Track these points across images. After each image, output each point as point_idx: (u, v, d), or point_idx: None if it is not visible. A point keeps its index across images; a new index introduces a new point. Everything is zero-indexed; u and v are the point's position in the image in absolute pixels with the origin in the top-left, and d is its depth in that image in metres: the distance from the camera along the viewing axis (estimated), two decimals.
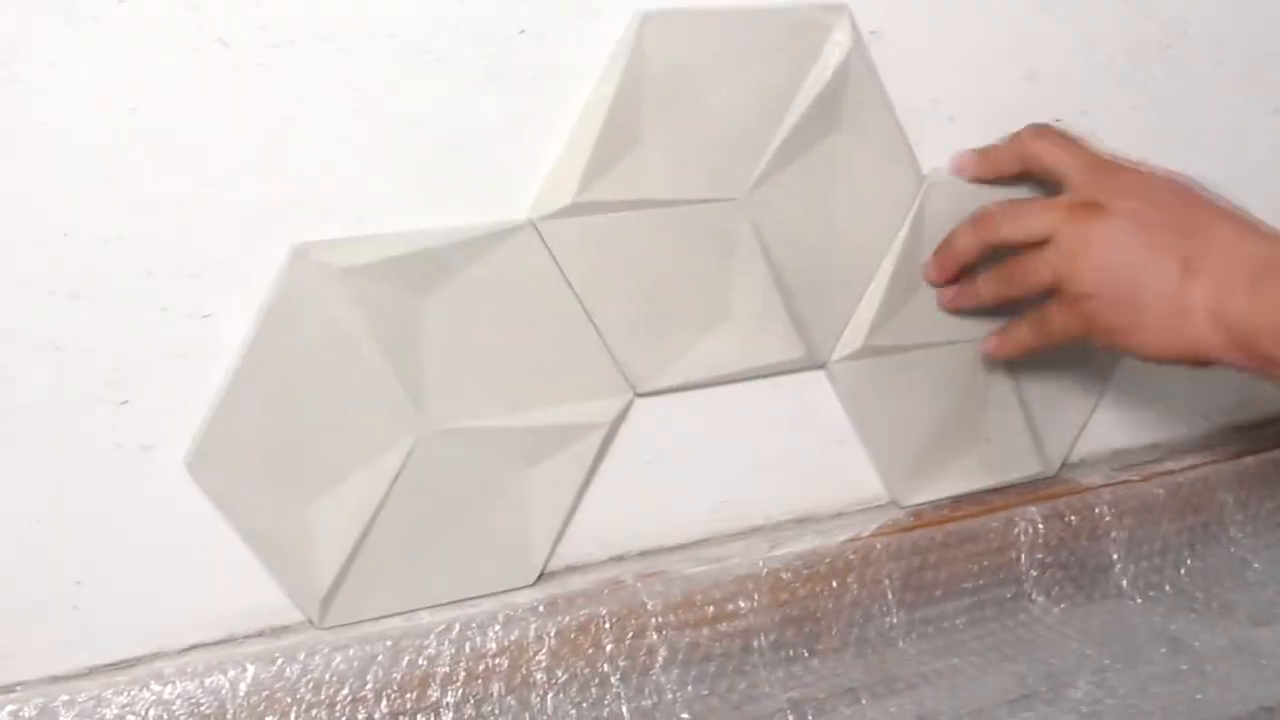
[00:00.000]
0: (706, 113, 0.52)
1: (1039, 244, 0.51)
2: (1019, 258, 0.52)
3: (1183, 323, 0.49)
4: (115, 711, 0.44)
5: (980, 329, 0.61)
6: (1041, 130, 0.55)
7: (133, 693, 0.45)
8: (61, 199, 0.43)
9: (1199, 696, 0.54)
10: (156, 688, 0.45)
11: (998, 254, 0.54)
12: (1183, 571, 0.66)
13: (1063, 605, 0.63)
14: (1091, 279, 0.50)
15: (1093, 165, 0.53)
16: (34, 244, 0.43)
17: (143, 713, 0.45)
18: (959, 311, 0.58)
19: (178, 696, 0.45)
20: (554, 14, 0.49)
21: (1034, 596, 0.62)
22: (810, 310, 0.57)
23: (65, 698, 0.44)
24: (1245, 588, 0.65)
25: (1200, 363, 0.50)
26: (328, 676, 0.48)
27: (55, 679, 0.45)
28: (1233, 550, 0.67)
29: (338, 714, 0.47)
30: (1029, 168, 0.54)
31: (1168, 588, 0.65)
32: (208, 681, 0.46)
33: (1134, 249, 0.49)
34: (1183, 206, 0.51)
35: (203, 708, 0.45)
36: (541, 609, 0.52)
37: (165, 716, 0.45)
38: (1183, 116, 0.66)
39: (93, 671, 0.46)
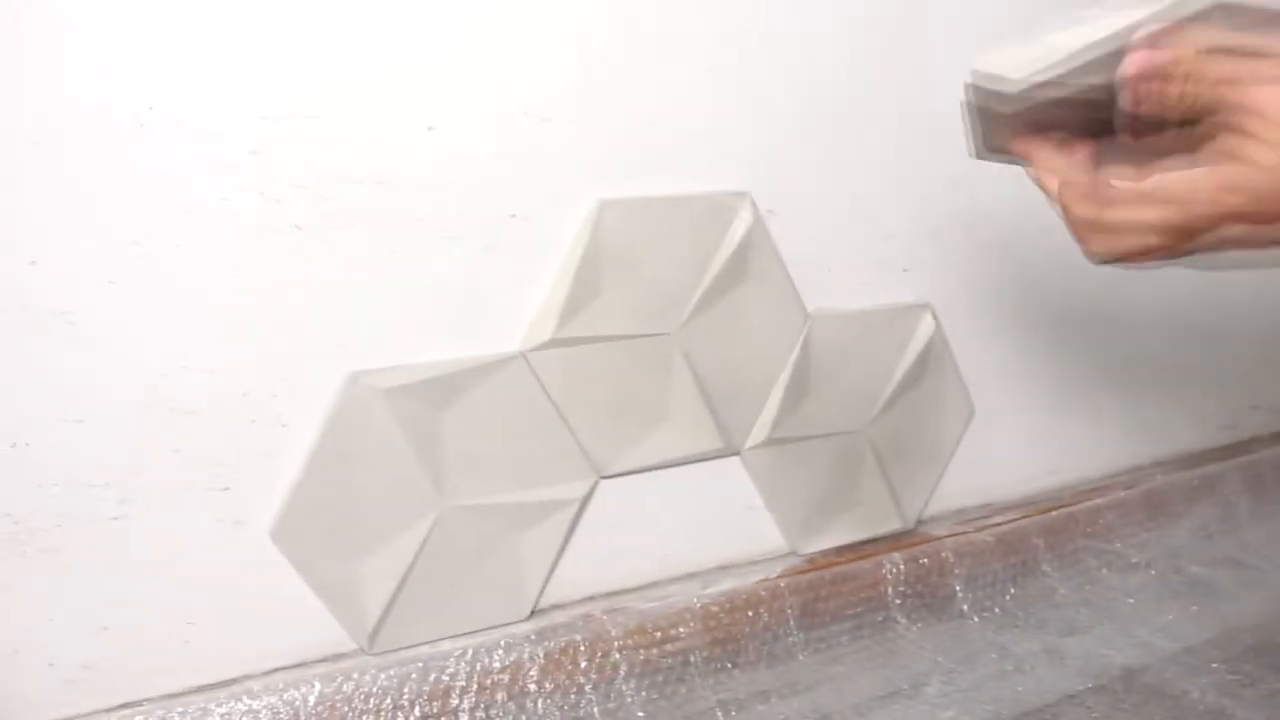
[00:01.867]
0: (648, 272, 0.58)
1: None
2: None
3: None
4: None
5: (852, 423, 0.67)
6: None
7: (229, 705, 0.49)
8: (182, 341, 0.49)
9: (1020, 689, 0.59)
10: (248, 701, 0.50)
11: None
12: (1008, 598, 0.70)
13: (919, 625, 0.67)
14: None
15: None
16: (159, 373, 0.48)
17: None
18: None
19: (263, 708, 0.50)
20: (536, 203, 0.56)
21: (898, 619, 0.66)
22: (728, 413, 0.63)
23: (180, 709, 0.48)
24: (1054, 608, 0.70)
25: None
26: (375, 690, 0.52)
27: (170, 696, 0.50)
28: (1044, 581, 0.72)
29: (382, 719, 0.51)
30: None
31: (997, 610, 0.69)
32: (285, 696, 0.50)
33: None
34: None
35: (281, 716, 0.49)
36: (533, 637, 0.56)
37: None
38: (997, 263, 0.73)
39: (199, 690, 0.50)
